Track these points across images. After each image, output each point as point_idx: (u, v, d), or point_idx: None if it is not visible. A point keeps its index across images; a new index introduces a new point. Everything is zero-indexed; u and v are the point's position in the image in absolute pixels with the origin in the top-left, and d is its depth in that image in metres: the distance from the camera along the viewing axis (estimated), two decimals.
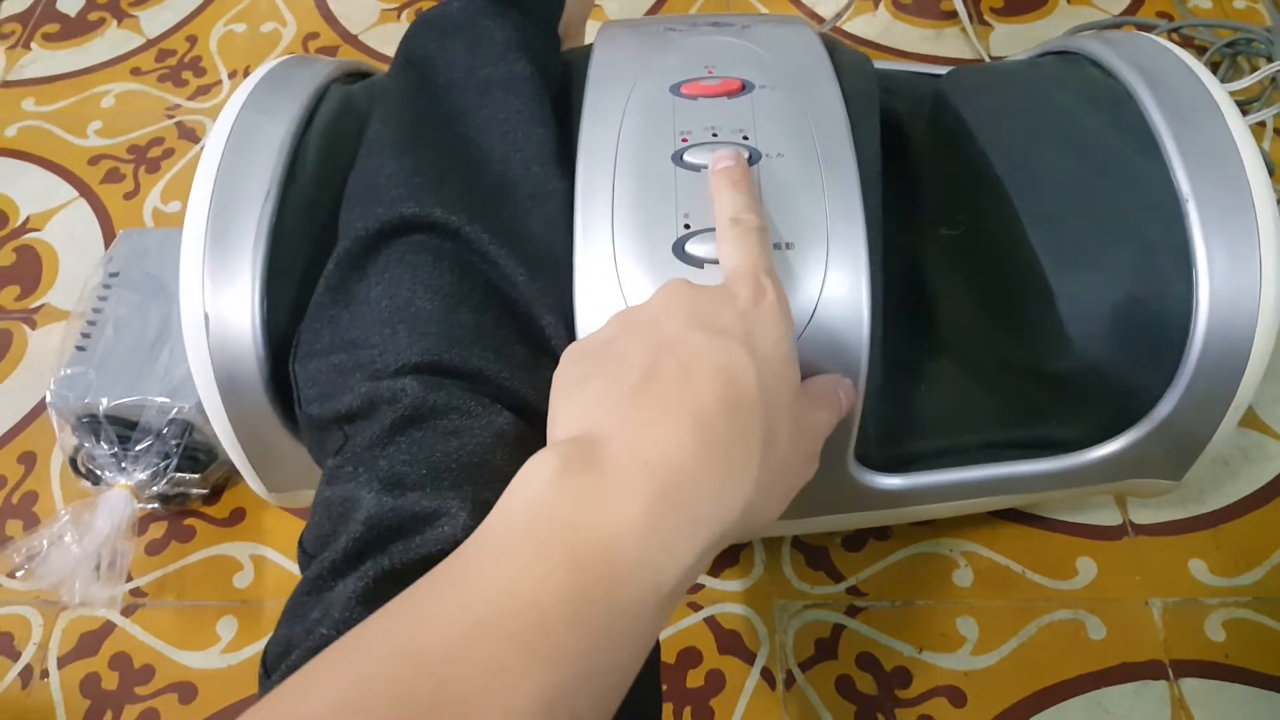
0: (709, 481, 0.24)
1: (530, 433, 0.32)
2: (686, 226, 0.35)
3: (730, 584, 0.47)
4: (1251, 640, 0.45)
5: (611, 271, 0.35)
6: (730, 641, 0.46)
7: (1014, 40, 0.68)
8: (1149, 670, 0.44)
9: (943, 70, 0.50)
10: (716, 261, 0.34)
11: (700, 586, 0.47)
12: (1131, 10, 0.69)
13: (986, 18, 0.69)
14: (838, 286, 0.35)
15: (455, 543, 0.25)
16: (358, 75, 0.47)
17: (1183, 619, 0.46)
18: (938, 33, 0.69)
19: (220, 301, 0.36)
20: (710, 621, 0.46)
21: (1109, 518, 0.49)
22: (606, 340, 0.28)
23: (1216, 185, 0.37)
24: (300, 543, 0.31)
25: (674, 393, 0.25)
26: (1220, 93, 0.40)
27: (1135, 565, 0.47)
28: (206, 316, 0.36)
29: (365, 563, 0.27)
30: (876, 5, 0.71)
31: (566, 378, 0.28)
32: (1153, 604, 0.46)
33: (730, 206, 0.33)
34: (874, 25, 0.69)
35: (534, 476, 0.24)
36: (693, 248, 0.35)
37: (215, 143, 0.39)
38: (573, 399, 0.27)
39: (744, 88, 0.39)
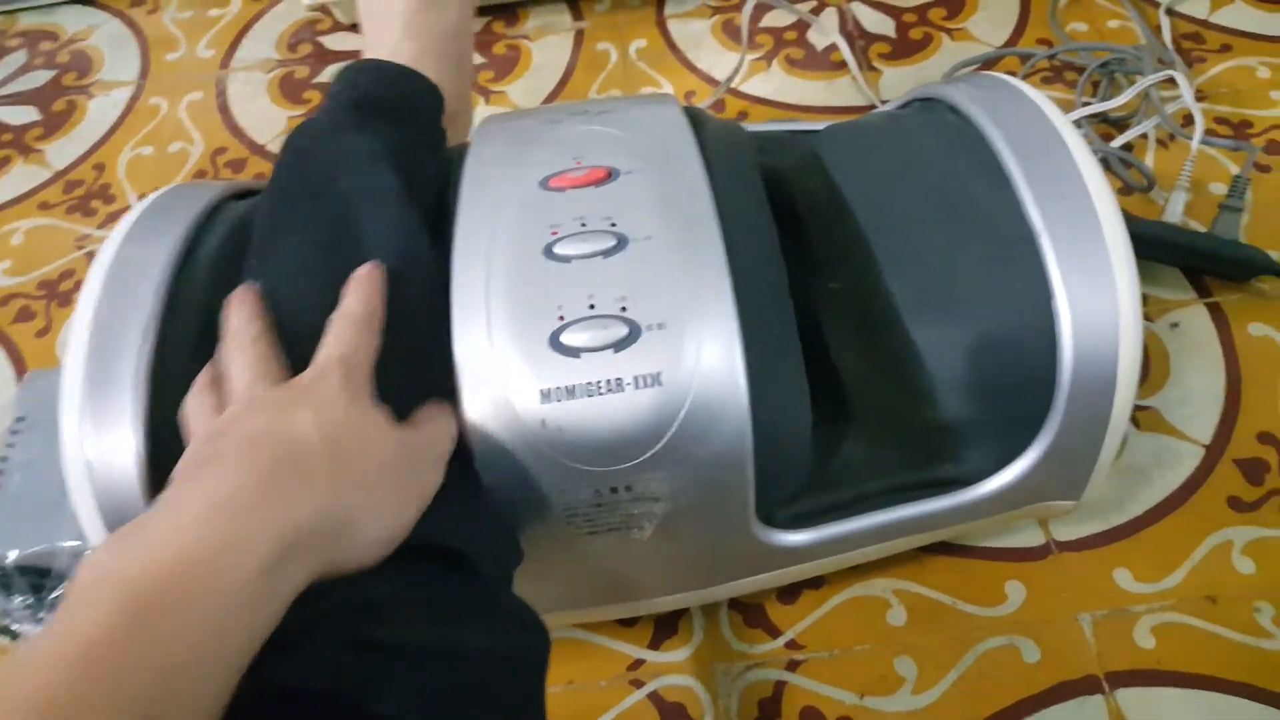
0: (269, 492, 0.28)
1: None
2: (561, 318, 0.36)
3: (671, 655, 0.48)
4: (1180, 642, 0.46)
5: (491, 367, 0.36)
6: (674, 714, 0.46)
7: (903, 83, 0.70)
8: (1085, 686, 0.45)
9: (824, 126, 0.52)
10: (593, 349, 0.36)
11: (640, 662, 0.48)
12: (1012, 41, 0.72)
13: (875, 64, 0.72)
14: (712, 357, 0.36)
15: None
16: (251, 193, 0.48)
17: (1113, 630, 0.46)
18: (829, 84, 0.71)
19: (102, 448, 0.36)
20: (653, 697, 0.47)
21: (1032, 539, 0.50)
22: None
23: (1066, 217, 0.39)
24: None
25: (233, 447, 0.30)
26: (1066, 127, 0.42)
27: (1062, 583, 0.48)
28: (89, 465, 0.36)
29: None
30: (769, 64, 0.73)
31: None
32: (1082, 619, 0.47)
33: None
34: (769, 83, 0.72)
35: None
36: (568, 338, 0.36)
37: (93, 283, 0.39)
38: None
39: (610, 175, 0.40)
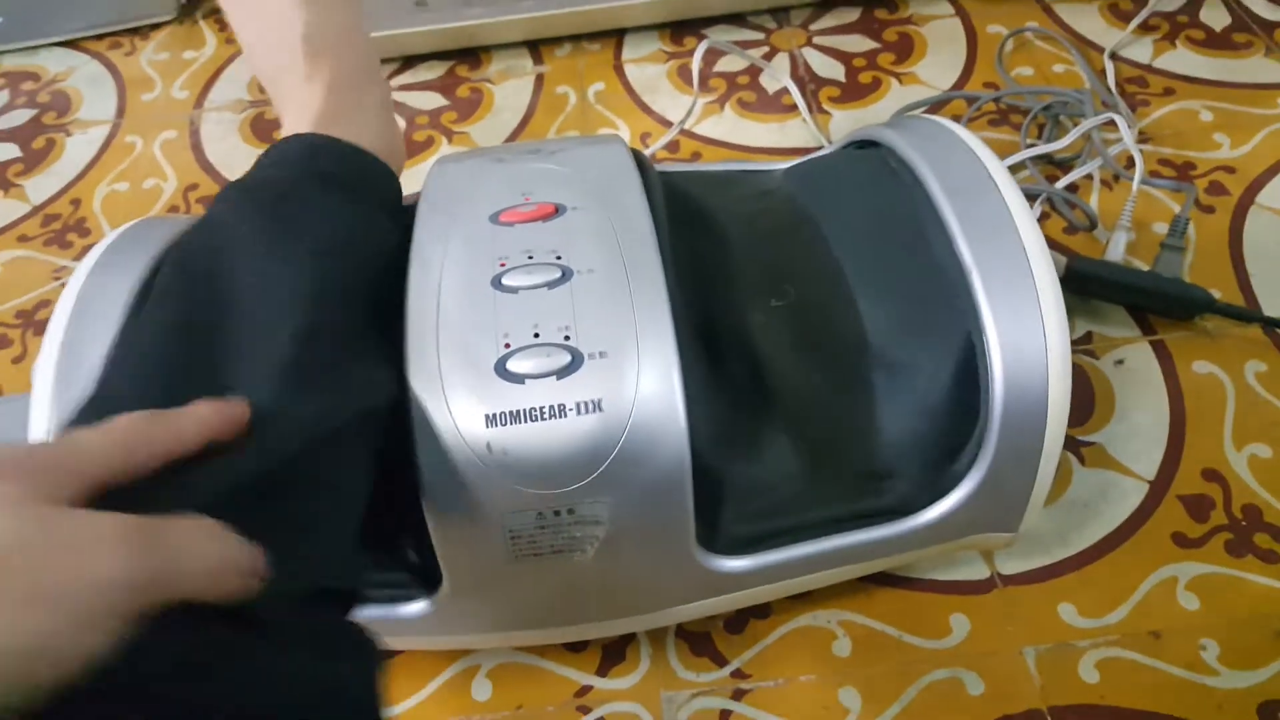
0: None
1: None
2: (507, 345, 0.38)
3: (618, 682, 0.48)
4: (1124, 678, 0.46)
5: (439, 392, 0.37)
6: None
7: (852, 125, 0.72)
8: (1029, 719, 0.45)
9: (770, 166, 0.54)
10: (537, 376, 0.37)
11: (588, 688, 0.48)
12: (959, 85, 0.74)
13: (825, 106, 0.74)
14: (651, 384, 0.37)
15: None
16: None
17: (1057, 664, 0.47)
18: (781, 126, 0.73)
19: None
20: None
21: (977, 572, 0.50)
22: None
23: (995, 254, 0.41)
24: None
25: None
26: (996, 167, 0.44)
27: (1006, 616, 0.49)
28: None
29: None
30: (723, 107, 0.75)
31: None
32: (1026, 653, 0.47)
33: None
34: (721, 125, 0.74)
35: None
36: (513, 365, 0.37)
37: (61, 311, 0.41)
38: None
39: (557, 211, 0.42)
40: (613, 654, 0.49)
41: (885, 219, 0.44)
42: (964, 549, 0.49)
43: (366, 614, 0.42)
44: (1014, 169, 0.66)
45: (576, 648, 0.49)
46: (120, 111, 0.81)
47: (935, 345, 0.41)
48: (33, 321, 0.67)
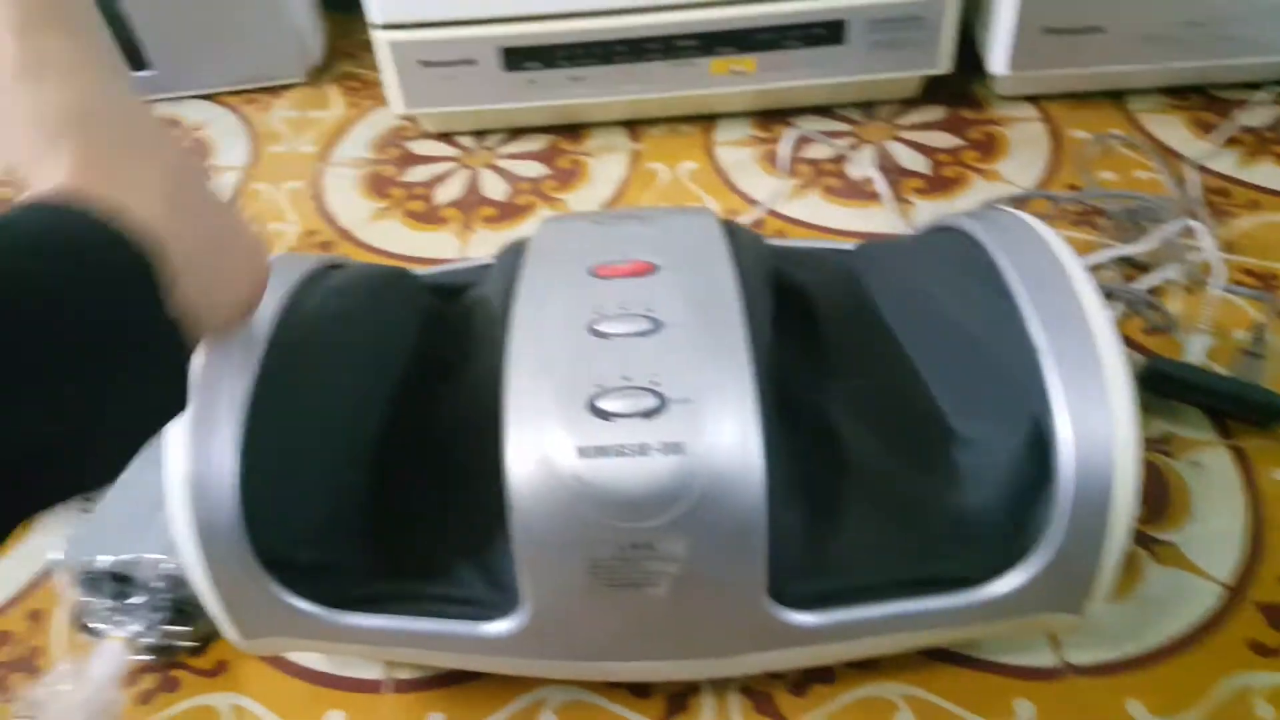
0: None
1: None
2: (599, 386, 0.41)
3: None
4: None
5: (535, 423, 0.40)
6: None
7: (935, 215, 0.75)
8: None
9: (851, 245, 0.57)
10: (625, 415, 0.40)
11: None
12: (1043, 184, 0.77)
13: (909, 197, 0.77)
14: (731, 434, 0.40)
15: None
16: (340, 266, 0.55)
17: None
18: (864, 211, 0.76)
19: (200, 461, 0.41)
20: None
21: (1045, 658, 0.50)
22: None
23: (1066, 338, 0.42)
24: None
25: None
26: (1069, 257, 0.46)
27: (1072, 706, 0.48)
28: (187, 476, 0.41)
29: None
30: (808, 191, 0.79)
31: None
32: None
33: None
34: (806, 208, 0.78)
35: None
36: (604, 404, 0.41)
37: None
38: None
39: (651, 269, 0.46)
40: (677, 703, 0.50)
41: (959, 300, 0.47)
42: (1031, 629, 0.49)
43: (448, 629, 0.44)
44: (1094, 269, 0.68)
45: (642, 693, 0.51)
46: (251, 161, 0.88)
47: (1005, 424, 0.42)
48: None
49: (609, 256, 0.46)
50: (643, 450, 0.40)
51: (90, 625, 0.52)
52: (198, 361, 0.44)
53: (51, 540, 0.52)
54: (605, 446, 0.40)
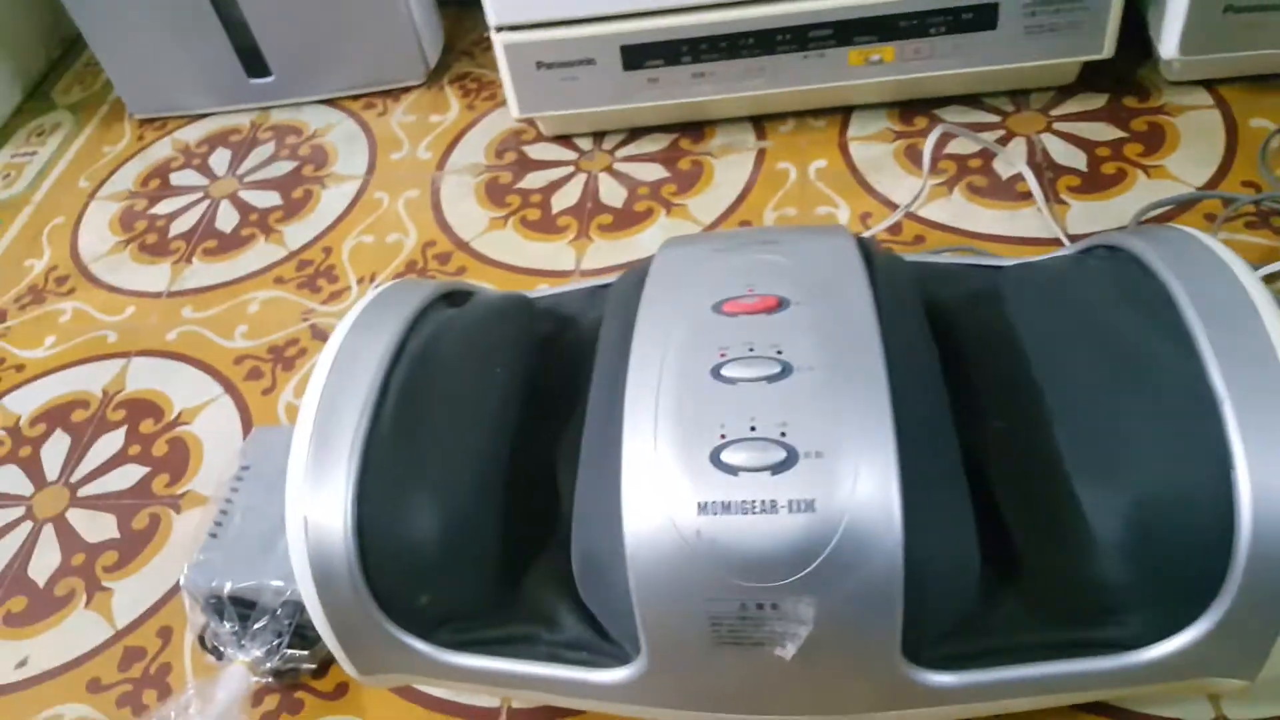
0: None
1: None
2: (723, 436, 0.38)
3: None
4: None
5: (654, 477, 0.38)
6: None
7: (1092, 217, 0.69)
8: None
9: (1001, 261, 0.53)
10: (751, 469, 0.37)
11: None
12: (1215, 182, 0.70)
13: (1063, 196, 0.71)
14: (867, 490, 0.37)
15: None
16: (457, 294, 0.53)
17: None
18: (1013, 214, 0.71)
19: (318, 506, 0.41)
20: None
21: (1201, 713, 0.47)
22: None
23: (1252, 384, 0.38)
24: None
25: None
26: (1258, 290, 0.40)
27: None
28: (305, 520, 0.41)
29: None
30: (951, 190, 0.74)
31: None
32: None
33: None
34: (948, 209, 0.72)
35: None
36: (728, 456, 0.38)
37: (324, 363, 0.45)
38: None
39: (780, 304, 0.42)
40: None
41: (1128, 334, 0.42)
42: (1190, 692, 0.45)
43: (561, 674, 0.43)
44: (1270, 278, 0.61)
45: None
46: (370, 168, 0.89)
47: (1177, 476, 0.38)
48: (282, 358, 0.74)
49: (735, 290, 0.43)
50: (770, 507, 0.37)
51: (215, 647, 0.53)
52: (313, 399, 0.43)
53: (181, 561, 0.53)
54: (729, 502, 0.37)
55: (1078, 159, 0.74)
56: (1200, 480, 0.37)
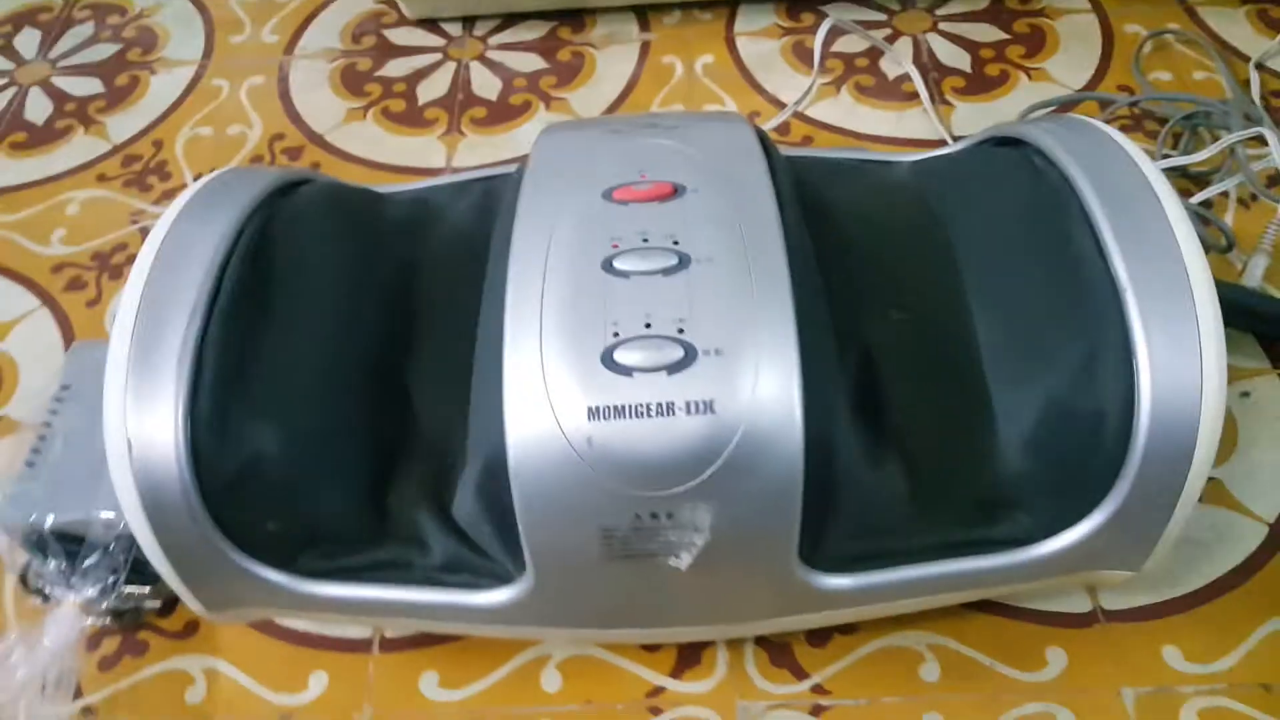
0: None
1: None
2: (615, 335, 0.35)
3: (692, 685, 0.46)
4: None
5: (540, 381, 0.35)
6: None
7: (976, 118, 0.68)
8: None
9: (896, 157, 0.51)
10: (647, 369, 0.34)
11: (661, 690, 0.46)
12: (1092, 85, 0.70)
13: (948, 97, 0.70)
14: (769, 388, 0.34)
15: None
16: (302, 183, 0.47)
17: (1157, 709, 0.44)
18: (899, 115, 0.69)
19: (143, 426, 0.36)
20: None
21: (1079, 605, 0.48)
22: None
23: (1154, 273, 0.37)
24: None
25: None
26: (1159, 179, 0.40)
27: (1106, 654, 0.46)
28: (129, 442, 0.36)
29: None
30: (839, 90, 0.71)
31: None
32: (1125, 694, 0.45)
33: None
34: (836, 109, 0.70)
35: None
36: (620, 356, 0.35)
37: (144, 258, 0.39)
38: None
39: (676, 191, 0.39)
40: (688, 657, 0.47)
41: (1027, 226, 0.41)
42: (1076, 584, 0.46)
43: (439, 599, 0.40)
44: None
45: (651, 647, 0.48)
46: (207, 52, 0.79)
47: (1078, 368, 0.37)
48: (109, 265, 0.66)
49: (626, 176, 0.40)
50: (667, 410, 0.34)
51: (40, 589, 0.47)
52: (132, 300, 0.38)
53: None
54: (623, 406, 0.34)
55: (962, 60, 0.73)
56: (1102, 372, 0.37)
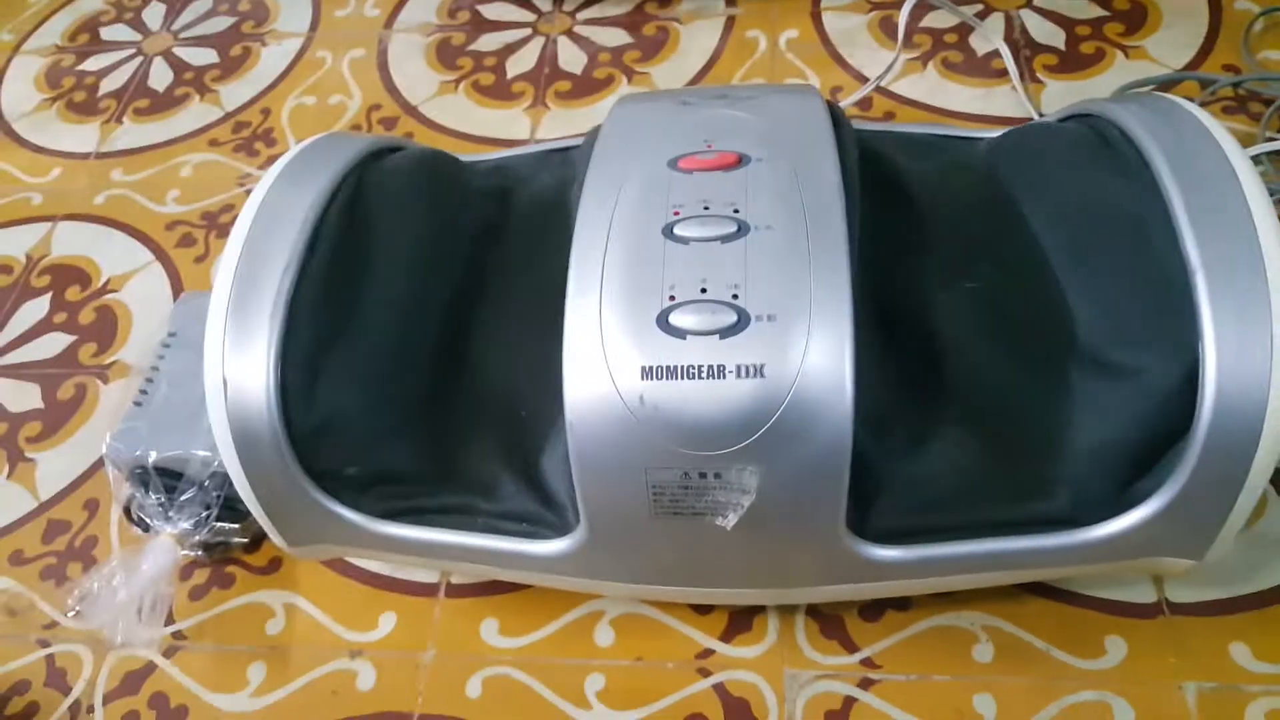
0: None
1: None
2: (672, 298, 0.36)
3: (742, 650, 0.47)
4: None
5: (597, 340, 0.36)
6: (738, 709, 0.45)
7: (1067, 97, 0.66)
8: None
9: (979, 133, 0.50)
10: (700, 333, 0.35)
11: (710, 652, 0.47)
12: (1195, 65, 0.67)
13: (1039, 75, 0.68)
14: (819, 356, 0.35)
15: None
16: (396, 149, 0.50)
17: (1220, 706, 0.43)
18: (987, 92, 0.68)
19: (238, 368, 0.39)
20: (719, 688, 0.46)
21: (1143, 595, 0.46)
22: None
23: (1227, 255, 0.36)
24: None
25: None
26: (1241, 160, 0.38)
27: (1169, 646, 0.45)
28: (225, 381, 0.39)
29: None
30: (925, 65, 0.70)
31: None
32: (1187, 688, 0.44)
33: None
34: (921, 85, 0.69)
35: None
36: (676, 319, 0.36)
37: (245, 216, 0.42)
38: None
39: (740, 161, 0.40)
40: (739, 622, 0.48)
41: (1101, 203, 0.40)
42: (1138, 571, 0.45)
43: (499, 546, 0.42)
44: None
45: (703, 610, 0.48)
46: (313, 25, 0.83)
47: (1144, 349, 0.37)
48: (216, 224, 0.70)
49: (692, 146, 0.40)
50: (718, 373, 0.35)
51: (141, 519, 0.51)
52: (233, 254, 0.40)
53: (107, 433, 0.51)
54: (675, 367, 0.35)
55: (1056, 37, 0.70)
56: (1167, 353, 0.36)
